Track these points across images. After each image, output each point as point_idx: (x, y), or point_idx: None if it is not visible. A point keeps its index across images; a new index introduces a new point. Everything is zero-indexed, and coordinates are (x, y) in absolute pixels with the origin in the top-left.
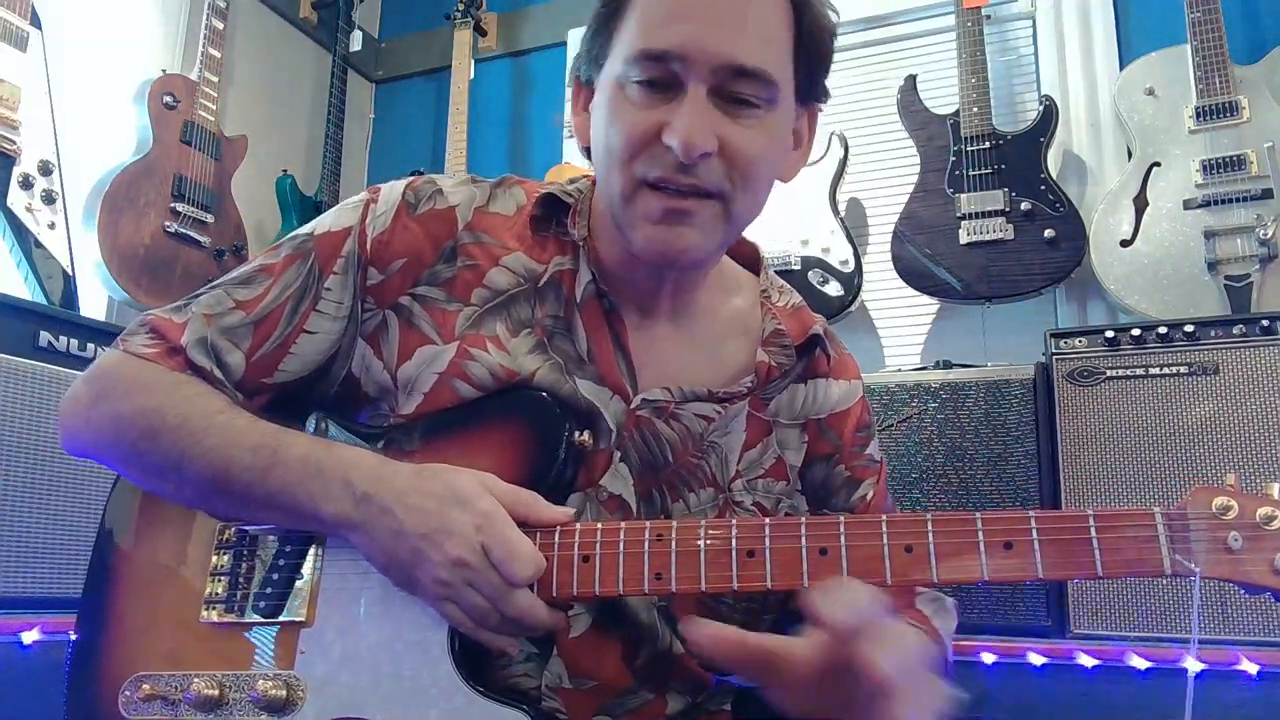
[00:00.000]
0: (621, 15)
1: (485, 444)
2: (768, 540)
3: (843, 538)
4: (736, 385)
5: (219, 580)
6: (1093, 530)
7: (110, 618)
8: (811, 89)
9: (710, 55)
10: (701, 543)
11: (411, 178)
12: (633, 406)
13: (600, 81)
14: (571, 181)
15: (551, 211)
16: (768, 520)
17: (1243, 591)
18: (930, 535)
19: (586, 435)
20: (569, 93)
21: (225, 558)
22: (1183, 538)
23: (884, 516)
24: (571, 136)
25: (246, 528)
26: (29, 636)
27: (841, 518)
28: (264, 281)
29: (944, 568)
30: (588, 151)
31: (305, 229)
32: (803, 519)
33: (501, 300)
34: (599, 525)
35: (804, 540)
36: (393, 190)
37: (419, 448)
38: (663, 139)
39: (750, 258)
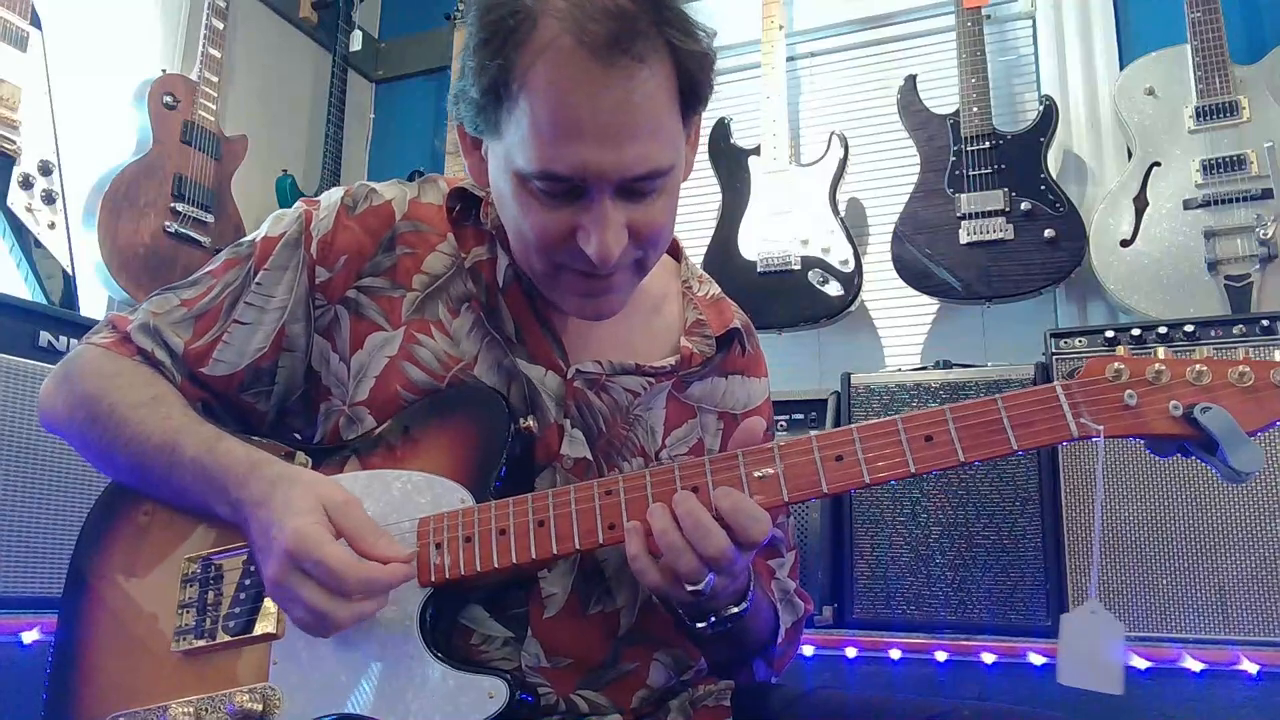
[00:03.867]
0: (512, 97)
1: (435, 442)
2: (709, 475)
3: (778, 459)
4: (662, 363)
5: (187, 612)
6: (1002, 411)
7: (83, 662)
8: (697, 106)
9: (611, 174)
10: (648, 488)
11: (349, 185)
12: (569, 378)
13: (494, 149)
14: None
15: (466, 204)
16: (706, 458)
17: (1150, 450)
18: (858, 442)
19: (531, 421)
20: (451, 123)
21: (192, 590)
22: (1083, 403)
23: (814, 434)
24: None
25: (210, 559)
26: (29, 636)
27: (774, 444)
28: (207, 282)
29: (873, 469)
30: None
31: (246, 238)
32: (739, 450)
33: (441, 283)
34: (550, 491)
35: (742, 467)
36: (331, 196)
37: (374, 454)
38: (578, 241)
39: (671, 247)
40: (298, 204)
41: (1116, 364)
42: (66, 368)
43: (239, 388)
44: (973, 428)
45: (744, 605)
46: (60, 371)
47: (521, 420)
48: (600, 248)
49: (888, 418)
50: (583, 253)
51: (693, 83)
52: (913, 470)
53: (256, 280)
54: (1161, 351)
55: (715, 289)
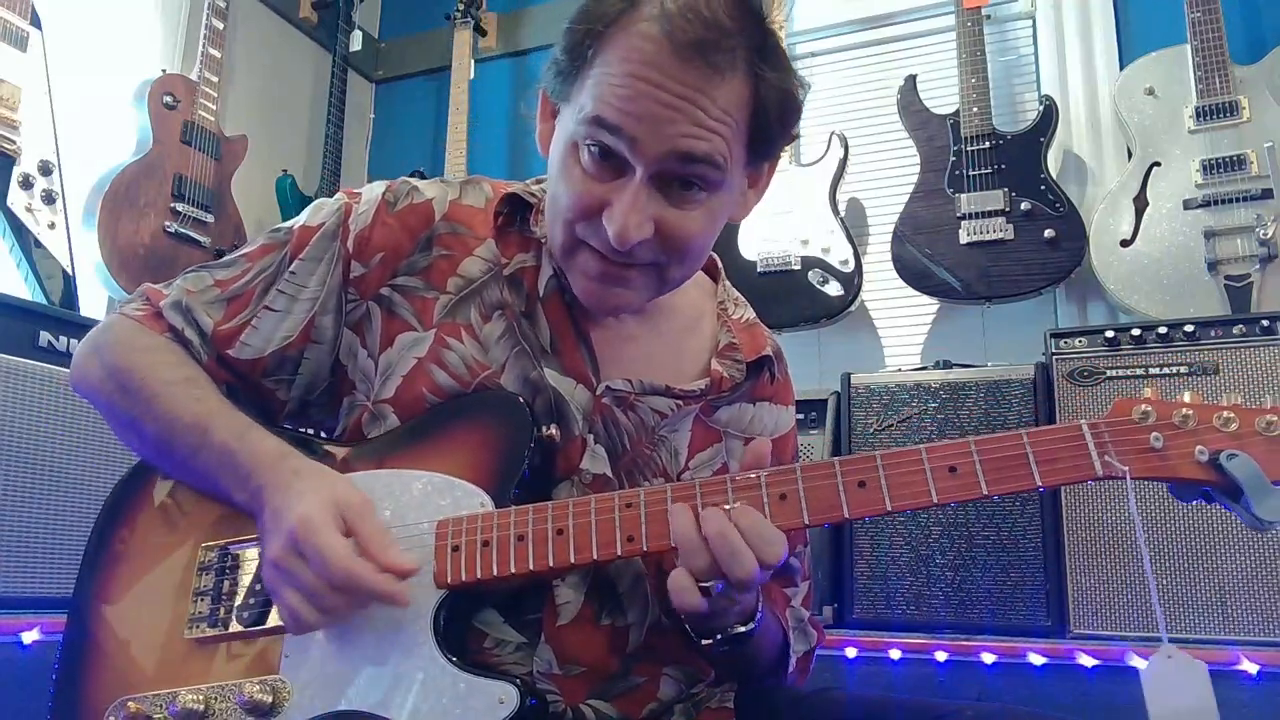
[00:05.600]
0: (589, 62)
1: (457, 445)
2: (730, 494)
3: (800, 483)
4: (691, 386)
5: (202, 600)
6: (1027, 447)
7: (94, 646)
8: (767, 152)
9: (658, 143)
10: (669, 502)
11: (391, 180)
12: (598, 394)
13: (562, 117)
14: (537, 181)
15: (515, 210)
16: (728, 477)
17: (1174, 494)
18: (881, 470)
19: (554, 429)
20: (539, 94)
21: (207, 578)
22: (1109, 443)
23: (837, 459)
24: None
25: (227, 549)
26: (29, 636)
27: (797, 466)
28: (242, 265)
29: (895, 497)
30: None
31: (285, 224)
32: (761, 472)
33: (474, 287)
34: (570, 500)
35: (764, 489)
36: (372, 190)
37: (396, 453)
38: (603, 219)
39: (709, 267)
40: (339, 195)
41: (1144, 406)
42: (99, 337)
43: (262, 373)
44: (997, 461)
45: (751, 625)
46: (93, 340)
47: (544, 428)
48: (620, 227)
49: (911, 447)
50: (602, 232)
51: (766, 125)
52: (935, 500)
53: (290, 269)
54: (1189, 395)
55: (750, 313)
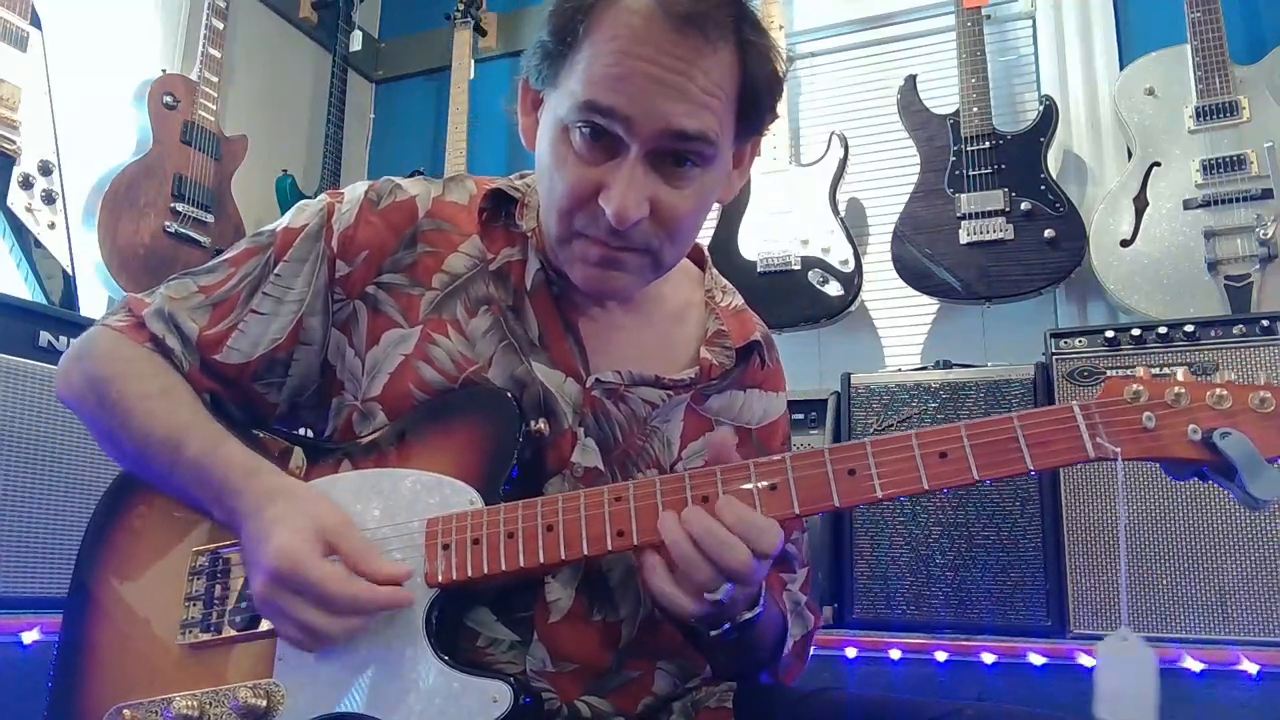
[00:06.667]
0: (578, 42)
1: (446, 443)
2: (720, 485)
3: (789, 471)
4: (681, 375)
5: (194, 604)
6: (1018, 430)
7: (89, 652)
8: (755, 127)
9: (653, 121)
10: (659, 496)
11: (374, 180)
12: (588, 386)
13: (549, 103)
14: (520, 176)
15: (499, 205)
16: (718, 469)
17: (1167, 473)
18: (871, 457)
19: (543, 424)
20: (519, 85)
21: (199, 583)
22: (1101, 424)
23: (826, 447)
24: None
25: (218, 553)
26: (29, 636)
27: (786, 455)
28: (225, 270)
29: (886, 484)
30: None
31: (267, 227)
32: (750, 461)
33: (460, 283)
34: (560, 495)
35: (754, 479)
36: (355, 190)
37: (384, 453)
38: (599, 201)
39: (696, 256)
40: (322, 196)
41: (1135, 385)
42: (80, 348)
43: (252, 377)
44: (988, 446)
45: (757, 610)
46: (75, 351)
47: (532, 423)
48: (619, 206)
49: (902, 433)
50: (600, 219)
51: (755, 96)
52: (925, 486)
53: (275, 271)
54: (1181, 374)
55: (738, 300)
